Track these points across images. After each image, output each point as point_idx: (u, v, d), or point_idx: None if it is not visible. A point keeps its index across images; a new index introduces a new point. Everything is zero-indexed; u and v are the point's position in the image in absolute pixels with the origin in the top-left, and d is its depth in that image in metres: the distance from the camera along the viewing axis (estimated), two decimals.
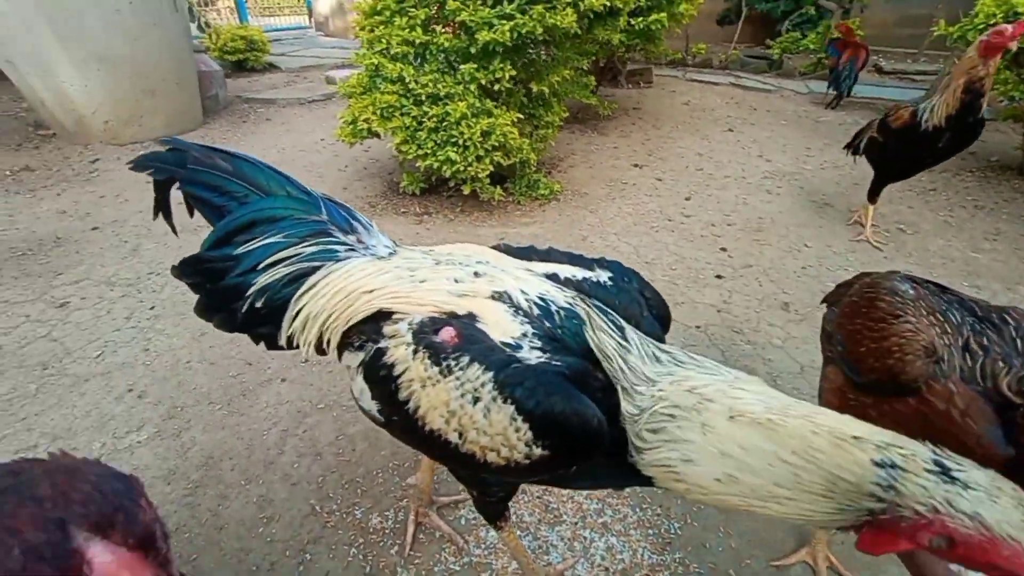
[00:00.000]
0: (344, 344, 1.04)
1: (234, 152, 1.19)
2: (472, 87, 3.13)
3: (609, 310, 0.90)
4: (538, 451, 0.81)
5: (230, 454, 1.75)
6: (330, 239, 1.10)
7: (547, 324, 0.88)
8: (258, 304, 1.06)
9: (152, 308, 2.47)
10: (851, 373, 1.16)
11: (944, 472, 0.55)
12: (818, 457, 0.61)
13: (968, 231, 3.29)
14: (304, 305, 1.06)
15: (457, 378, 0.83)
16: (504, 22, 2.85)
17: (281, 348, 1.14)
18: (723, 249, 3.07)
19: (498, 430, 0.81)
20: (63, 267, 2.77)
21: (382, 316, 0.97)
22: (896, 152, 2.88)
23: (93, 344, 2.24)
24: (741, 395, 0.70)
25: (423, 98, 3.11)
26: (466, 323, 0.89)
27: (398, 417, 0.92)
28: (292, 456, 1.74)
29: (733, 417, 0.68)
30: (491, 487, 1.10)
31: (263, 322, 1.10)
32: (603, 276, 1.03)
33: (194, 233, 1.40)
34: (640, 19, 4.10)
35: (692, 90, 6.65)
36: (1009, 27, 2.36)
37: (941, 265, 2.92)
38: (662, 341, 0.92)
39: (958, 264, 2.96)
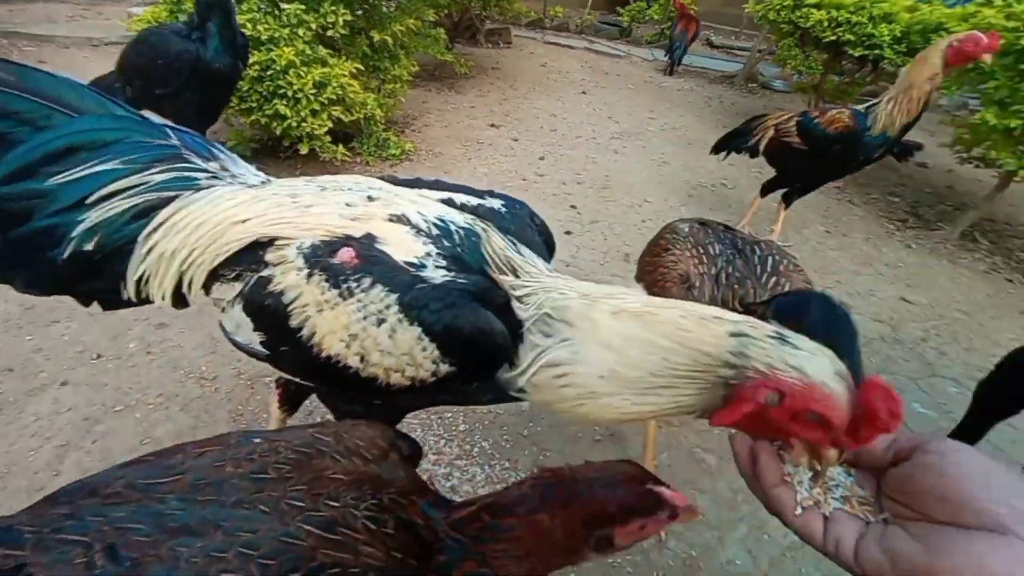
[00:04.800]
0: (213, 278, 0.91)
1: (21, 62, 0.88)
2: (301, 31, 2.77)
3: (504, 232, 0.94)
4: (445, 368, 0.82)
5: None
6: (186, 164, 0.92)
7: (447, 244, 0.87)
8: (88, 247, 0.87)
9: None
10: None
11: (781, 338, 0.63)
12: (685, 337, 0.66)
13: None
14: (156, 243, 0.89)
15: (359, 300, 0.80)
16: None
17: (125, 305, 0.94)
18: (573, 207, 3.19)
19: (404, 350, 0.81)
20: None
21: (260, 245, 0.88)
22: (815, 160, 2.51)
23: None
24: (626, 297, 0.76)
25: None
26: (365, 244, 0.84)
27: (288, 347, 0.87)
28: (74, 474, 1.43)
29: (616, 312, 0.72)
30: (379, 413, 1.03)
31: (95, 273, 0.90)
32: (496, 203, 1.04)
33: None
34: None
35: (550, 52, 6.75)
36: (984, 36, 2.02)
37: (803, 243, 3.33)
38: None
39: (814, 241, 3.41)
